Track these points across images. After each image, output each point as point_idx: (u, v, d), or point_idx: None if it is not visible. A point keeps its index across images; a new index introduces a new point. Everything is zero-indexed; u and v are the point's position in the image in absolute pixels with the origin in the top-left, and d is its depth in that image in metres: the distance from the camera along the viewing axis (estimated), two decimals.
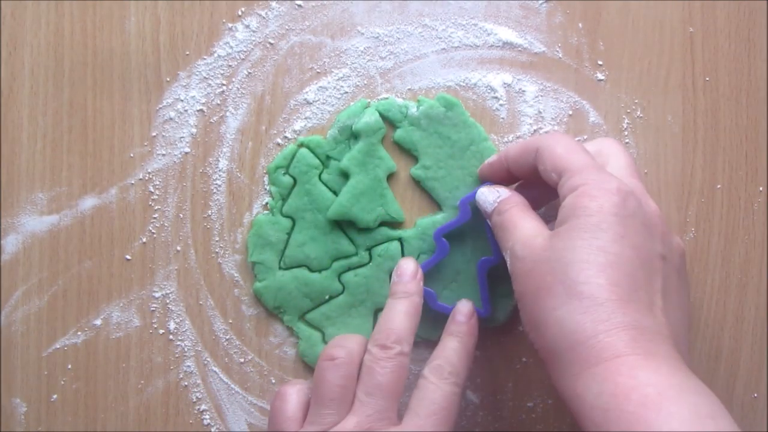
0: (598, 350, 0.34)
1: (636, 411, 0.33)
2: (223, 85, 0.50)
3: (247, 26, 0.50)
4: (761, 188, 0.51)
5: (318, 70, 0.50)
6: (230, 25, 0.50)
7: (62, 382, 0.51)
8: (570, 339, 0.35)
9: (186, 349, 0.51)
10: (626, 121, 0.50)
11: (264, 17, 0.50)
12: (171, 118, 0.50)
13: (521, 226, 0.41)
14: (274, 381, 0.51)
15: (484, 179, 0.47)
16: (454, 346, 0.45)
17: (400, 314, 0.44)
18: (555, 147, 0.41)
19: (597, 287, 0.36)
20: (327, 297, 0.50)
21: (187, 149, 0.50)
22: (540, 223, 0.42)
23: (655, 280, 0.38)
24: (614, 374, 0.34)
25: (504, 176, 0.46)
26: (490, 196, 0.45)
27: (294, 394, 0.45)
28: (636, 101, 0.50)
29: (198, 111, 0.50)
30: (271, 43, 0.50)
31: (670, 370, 0.34)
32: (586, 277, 0.36)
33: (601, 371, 0.34)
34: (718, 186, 0.51)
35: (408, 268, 0.46)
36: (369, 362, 0.43)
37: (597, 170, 0.40)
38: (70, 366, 0.51)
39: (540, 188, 0.45)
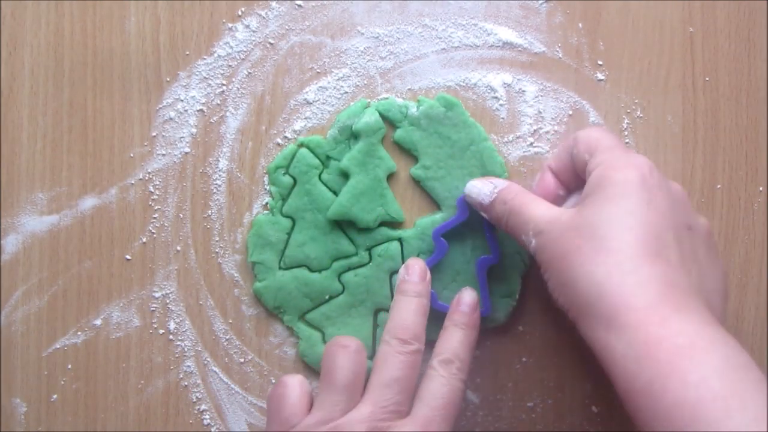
0: (628, 300, 0.35)
1: (668, 359, 0.33)
2: (223, 85, 0.50)
3: (247, 26, 0.50)
4: (761, 188, 0.51)
5: (318, 70, 0.50)
6: (230, 25, 0.50)
7: (62, 382, 0.51)
8: (600, 290, 0.36)
9: (186, 349, 0.51)
10: (626, 121, 0.50)
11: (264, 17, 0.50)
12: (171, 118, 0.50)
13: (536, 206, 0.42)
14: (274, 381, 0.51)
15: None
16: (460, 338, 0.45)
17: (414, 313, 0.45)
18: (590, 132, 0.44)
19: (626, 243, 0.36)
20: (327, 297, 0.50)
21: (187, 149, 0.50)
22: (546, 202, 0.43)
23: (683, 244, 0.38)
24: (645, 323, 0.34)
25: (553, 190, 0.46)
26: (484, 188, 0.46)
27: (297, 383, 0.44)
28: (636, 101, 0.50)
29: (198, 111, 0.50)
30: (271, 43, 0.50)
31: (702, 322, 0.35)
32: (615, 234, 0.37)
33: (632, 320, 0.34)
34: (718, 186, 0.51)
35: (419, 267, 0.47)
36: (386, 354, 0.43)
37: (624, 149, 0.42)
38: (70, 366, 0.51)
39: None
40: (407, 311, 0.45)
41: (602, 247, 0.37)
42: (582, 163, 0.43)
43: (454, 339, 0.45)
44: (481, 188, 0.46)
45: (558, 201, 0.46)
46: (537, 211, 0.42)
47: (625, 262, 0.36)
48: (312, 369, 0.51)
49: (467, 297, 0.47)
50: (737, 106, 0.50)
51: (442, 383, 0.43)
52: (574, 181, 0.46)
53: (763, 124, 0.51)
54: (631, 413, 0.35)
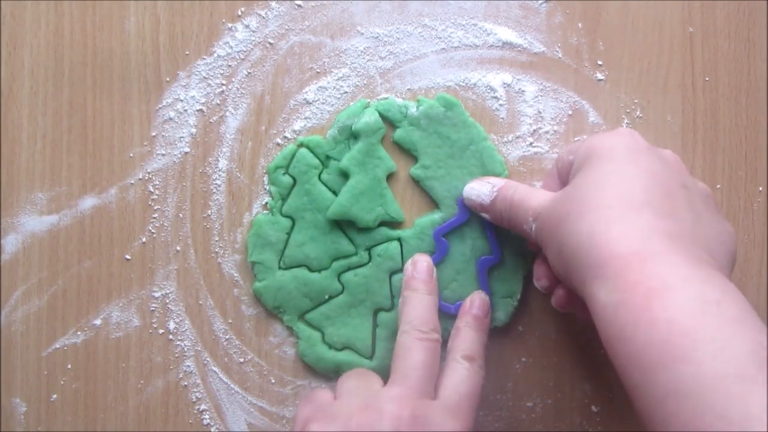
0: (611, 247, 0.35)
1: (640, 302, 0.33)
2: (223, 85, 0.50)
3: (247, 26, 0.50)
4: (761, 188, 0.51)
5: (318, 70, 0.50)
6: (230, 25, 0.50)
7: (62, 382, 0.51)
8: (587, 243, 0.36)
9: (186, 349, 0.51)
10: (626, 121, 0.50)
11: (264, 17, 0.50)
12: (171, 118, 0.50)
13: (535, 195, 0.43)
14: (273, 381, 0.51)
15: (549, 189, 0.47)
16: (476, 338, 0.45)
17: (428, 309, 0.45)
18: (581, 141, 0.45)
19: (610, 198, 0.37)
20: (327, 297, 0.50)
21: (187, 149, 0.50)
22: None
23: (675, 197, 0.38)
24: (625, 270, 0.34)
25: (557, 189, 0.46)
26: (483, 188, 0.46)
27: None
28: (636, 101, 0.50)
29: (198, 111, 0.50)
30: (270, 43, 0.50)
31: (682, 261, 0.35)
32: (600, 192, 0.37)
33: (612, 267, 0.35)
34: (718, 186, 0.51)
35: (427, 264, 0.47)
36: (408, 342, 0.43)
37: (607, 132, 0.43)
38: (69, 366, 0.51)
39: None
40: (422, 307, 0.45)
41: (587, 206, 0.37)
42: (570, 163, 0.44)
43: (471, 338, 0.45)
44: (480, 189, 0.46)
45: None
46: (535, 199, 0.42)
47: (609, 214, 0.36)
48: (312, 368, 0.51)
49: (481, 300, 0.47)
50: (737, 106, 0.50)
51: (467, 375, 0.43)
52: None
53: (763, 124, 0.51)
54: (613, 363, 0.35)
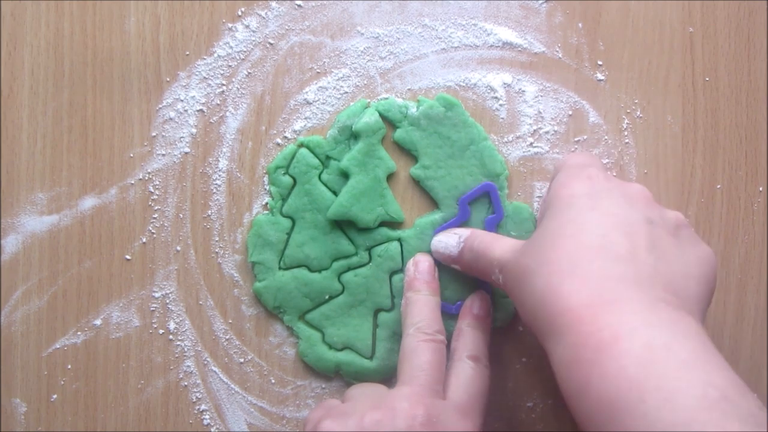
0: (564, 301, 0.35)
1: (590, 357, 0.33)
2: (223, 85, 0.50)
3: (247, 26, 0.50)
4: (761, 188, 0.51)
5: (318, 70, 0.50)
6: (230, 25, 0.50)
7: (62, 382, 0.51)
8: (541, 300, 0.36)
9: (186, 349, 0.51)
10: (626, 121, 0.50)
11: (264, 17, 0.50)
12: (171, 118, 0.50)
13: (499, 244, 0.43)
14: (273, 381, 0.51)
15: None
16: (479, 338, 0.45)
17: (432, 310, 0.45)
18: (566, 155, 0.45)
19: (564, 250, 0.36)
20: (327, 297, 0.50)
21: (187, 149, 0.50)
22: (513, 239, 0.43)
23: (637, 238, 0.37)
24: (577, 323, 0.34)
25: None
26: (450, 240, 0.46)
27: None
28: (636, 101, 0.50)
29: (198, 111, 0.50)
30: (270, 43, 0.50)
31: (634, 308, 0.34)
32: (555, 244, 0.37)
33: (566, 321, 0.34)
34: (718, 186, 0.51)
35: (429, 264, 0.47)
36: (413, 343, 0.43)
37: (580, 166, 0.42)
38: (69, 366, 0.51)
39: None
40: (426, 308, 0.45)
41: (543, 260, 0.37)
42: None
43: (475, 338, 0.45)
44: (447, 241, 0.46)
45: None
46: (499, 248, 0.42)
47: (562, 266, 0.36)
48: (312, 369, 0.51)
49: (482, 300, 0.47)
50: (737, 106, 0.50)
51: (474, 375, 0.43)
52: None
53: (763, 124, 0.51)
54: (574, 418, 0.34)
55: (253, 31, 0.50)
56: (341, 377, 0.51)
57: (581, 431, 0.34)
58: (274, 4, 0.50)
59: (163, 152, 0.50)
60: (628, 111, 0.50)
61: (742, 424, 0.30)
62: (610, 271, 0.36)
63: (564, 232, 0.38)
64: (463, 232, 0.46)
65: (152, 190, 0.50)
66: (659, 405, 0.31)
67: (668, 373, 0.31)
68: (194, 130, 0.50)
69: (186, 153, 0.50)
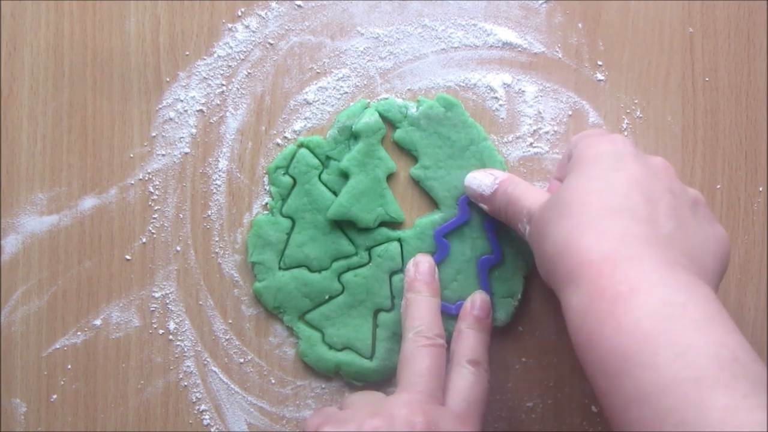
0: (584, 253, 0.35)
1: (606, 307, 0.33)
2: (223, 85, 0.50)
3: (247, 26, 0.50)
4: (761, 188, 0.51)
5: (318, 71, 0.50)
6: (230, 25, 0.50)
7: (62, 382, 0.51)
8: (561, 249, 0.36)
9: (186, 349, 0.51)
10: (626, 121, 0.50)
11: (264, 17, 0.50)
12: (171, 119, 0.50)
13: (531, 194, 0.43)
14: (273, 381, 0.51)
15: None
16: (479, 340, 0.45)
17: (432, 312, 0.45)
18: (581, 133, 0.45)
19: (587, 204, 0.37)
20: (327, 297, 0.50)
21: (187, 149, 0.50)
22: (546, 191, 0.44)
23: (659, 204, 0.38)
24: (595, 275, 0.34)
25: None
26: (485, 179, 0.46)
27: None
28: (636, 101, 0.50)
29: (198, 111, 0.50)
30: (270, 44, 0.50)
31: (654, 266, 0.34)
32: (578, 198, 0.38)
33: (584, 273, 0.35)
34: (718, 186, 0.51)
35: (429, 265, 0.47)
36: (413, 349, 0.43)
37: (603, 131, 0.43)
38: (69, 366, 0.51)
39: None
40: (426, 310, 0.45)
41: (567, 212, 0.37)
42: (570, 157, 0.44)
43: (474, 341, 0.45)
44: (482, 180, 0.46)
45: None
46: (531, 198, 0.42)
47: (585, 220, 0.36)
48: (312, 369, 0.51)
49: (482, 301, 0.47)
50: (737, 106, 0.50)
51: (474, 380, 0.43)
52: None
53: (763, 124, 0.51)
54: (583, 371, 0.35)
55: (253, 32, 0.50)
56: (341, 377, 0.51)
57: (590, 384, 0.35)
58: (274, 4, 0.50)
59: (163, 152, 0.50)
60: (628, 111, 0.50)
61: (750, 385, 0.30)
62: (631, 229, 0.36)
63: (588, 188, 0.38)
64: (500, 175, 0.46)
65: (152, 190, 0.50)
66: (672, 359, 0.31)
67: (683, 330, 0.32)
68: (194, 131, 0.50)
69: (186, 153, 0.50)
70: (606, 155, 0.40)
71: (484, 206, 0.46)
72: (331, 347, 0.50)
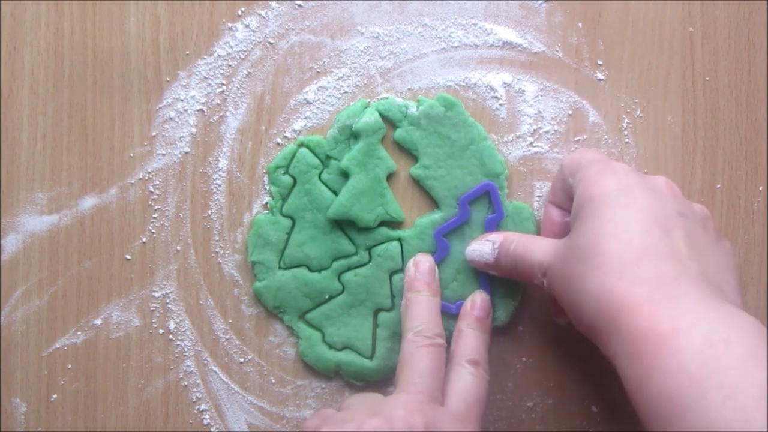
0: (620, 304, 0.36)
1: (652, 350, 0.34)
2: (223, 84, 0.50)
3: (247, 26, 0.50)
4: (761, 188, 0.51)
5: (318, 70, 0.50)
6: (230, 24, 0.50)
7: (62, 382, 0.51)
8: (597, 305, 0.37)
9: (186, 349, 0.51)
10: (626, 120, 0.50)
11: (264, 17, 0.50)
12: (171, 118, 0.50)
13: (537, 247, 0.43)
14: (273, 381, 0.51)
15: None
16: (479, 340, 0.45)
17: (432, 312, 0.45)
18: (573, 154, 0.44)
19: (610, 253, 0.37)
20: (327, 297, 0.50)
21: (187, 149, 0.50)
22: (551, 239, 0.43)
23: (674, 233, 0.38)
24: (635, 319, 0.35)
25: (559, 222, 0.46)
26: (484, 248, 0.46)
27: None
28: (636, 101, 0.50)
29: (198, 111, 0.50)
30: (270, 43, 0.50)
31: (690, 304, 0.35)
32: (600, 247, 0.38)
33: (624, 321, 0.35)
34: (718, 186, 0.51)
35: (429, 265, 0.47)
36: (412, 349, 0.43)
37: (603, 161, 0.42)
38: (69, 366, 0.51)
39: None
40: (426, 310, 0.45)
41: (592, 264, 0.38)
42: (571, 187, 0.44)
43: (475, 340, 0.45)
44: (482, 250, 0.46)
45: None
46: (539, 251, 0.42)
47: (612, 271, 0.37)
48: (312, 368, 0.51)
49: (482, 300, 0.47)
50: (737, 106, 0.50)
51: (473, 381, 0.43)
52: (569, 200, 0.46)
53: (763, 124, 0.51)
54: (639, 419, 0.35)
55: (253, 31, 0.50)
56: (341, 377, 0.51)
57: (645, 430, 0.35)
58: (274, 3, 0.50)
59: (163, 152, 0.50)
60: (629, 110, 0.50)
61: None
62: (659, 269, 0.36)
63: (605, 232, 0.38)
64: (496, 238, 0.46)
65: (152, 190, 0.50)
66: (720, 402, 0.31)
67: (728, 369, 0.32)
68: (194, 130, 0.50)
69: (186, 153, 0.50)
70: (611, 193, 0.40)
71: (494, 273, 0.47)
72: (331, 347, 0.50)
